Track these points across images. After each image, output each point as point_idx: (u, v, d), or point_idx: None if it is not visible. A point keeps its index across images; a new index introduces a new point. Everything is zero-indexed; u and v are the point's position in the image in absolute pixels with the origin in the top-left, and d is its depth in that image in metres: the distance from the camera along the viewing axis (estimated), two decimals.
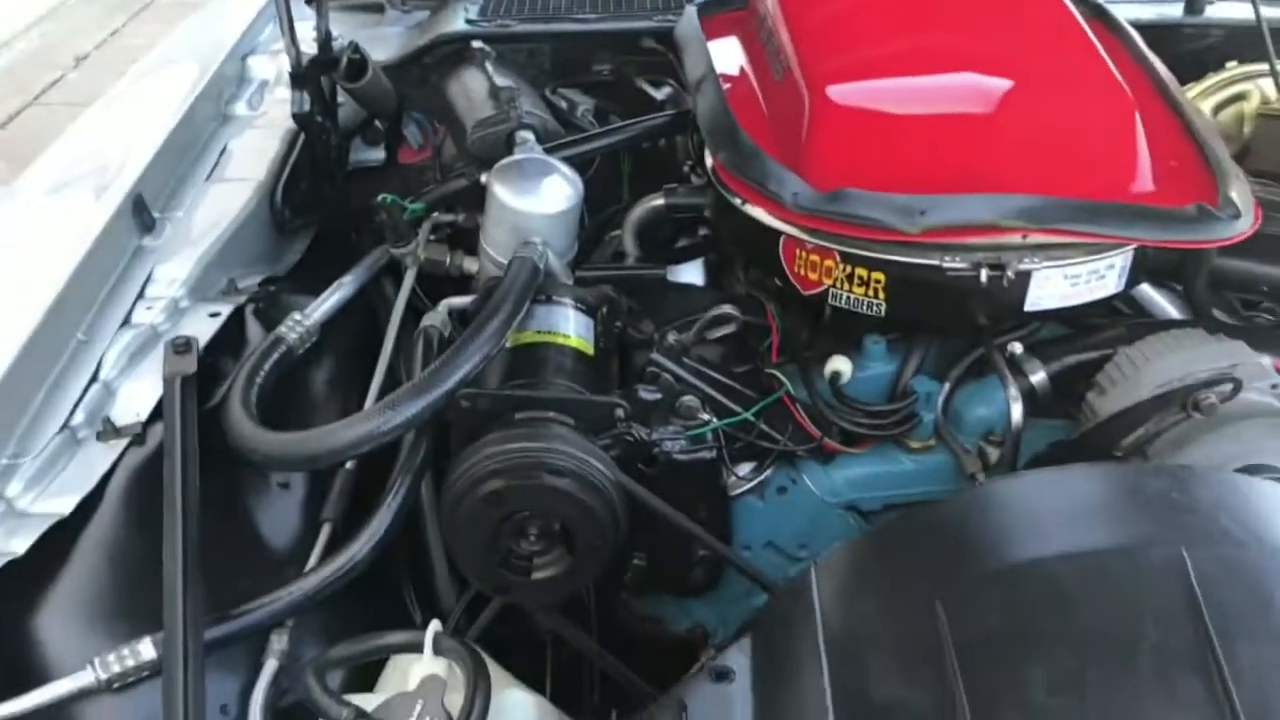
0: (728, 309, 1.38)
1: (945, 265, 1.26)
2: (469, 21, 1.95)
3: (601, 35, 1.95)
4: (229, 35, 1.95)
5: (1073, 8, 1.55)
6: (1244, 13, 1.99)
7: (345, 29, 1.88)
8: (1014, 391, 1.29)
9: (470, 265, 1.62)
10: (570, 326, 1.33)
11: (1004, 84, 1.38)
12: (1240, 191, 1.29)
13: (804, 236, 1.32)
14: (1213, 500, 0.96)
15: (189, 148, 1.67)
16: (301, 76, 1.58)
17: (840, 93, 1.37)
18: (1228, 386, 1.13)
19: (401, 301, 1.48)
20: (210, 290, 1.44)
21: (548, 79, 1.97)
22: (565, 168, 1.52)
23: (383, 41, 1.97)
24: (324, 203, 1.74)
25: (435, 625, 1.02)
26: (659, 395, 1.23)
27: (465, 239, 1.64)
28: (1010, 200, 1.24)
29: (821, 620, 0.93)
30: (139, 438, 1.19)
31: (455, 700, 0.97)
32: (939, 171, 1.29)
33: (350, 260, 1.56)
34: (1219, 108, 1.83)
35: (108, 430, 1.19)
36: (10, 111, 5.26)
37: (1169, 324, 1.35)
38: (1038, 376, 1.33)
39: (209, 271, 1.44)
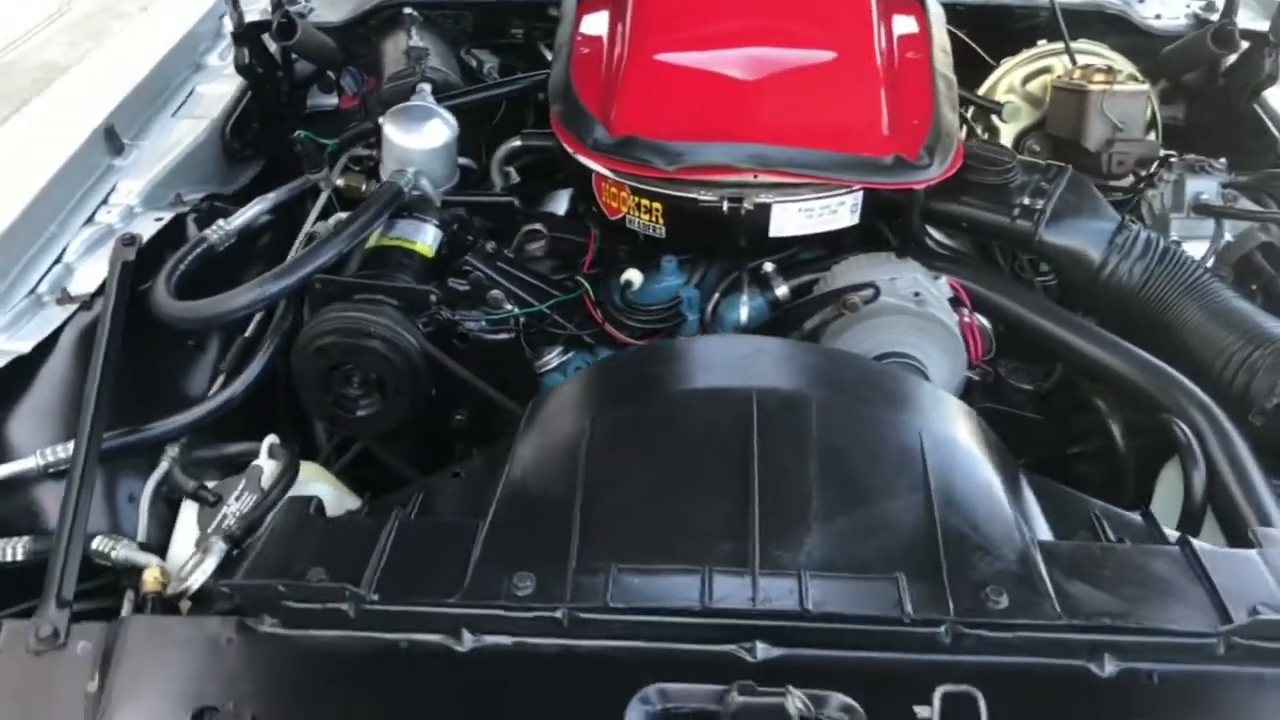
0: (537, 226, 1.76)
1: (698, 198, 1.62)
2: None
3: (513, 4, 2.33)
4: None
5: None
6: None
7: None
8: (745, 297, 1.65)
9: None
10: (420, 236, 1.73)
11: (777, 56, 1.73)
12: (941, 147, 1.63)
13: (606, 173, 1.69)
14: (818, 365, 1.33)
15: (161, 90, 2.09)
16: (241, 35, 1.99)
17: (643, 59, 1.74)
18: (869, 291, 1.48)
19: (313, 216, 1.88)
20: (161, 201, 1.86)
21: (469, 41, 2.35)
22: (445, 113, 1.90)
23: (340, 6, 2.37)
24: (275, 139, 2.15)
25: (271, 437, 1.43)
26: (467, 287, 1.62)
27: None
28: (744, 148, 1.60)
29: (521, 432, 1.32)
30: (86, 304, 1.61)
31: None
32: (701, 125, 1.65)
33: None
34: (1029, 78, 2.14)
35: (64, 297, 1.62)
36: (82, 54, 5.79)
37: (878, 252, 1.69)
38: (781, 289, 1.68)
39: (160, 187, 1.87)
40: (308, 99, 2.35)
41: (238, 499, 1.34)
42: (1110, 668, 1.07)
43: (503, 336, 1.62)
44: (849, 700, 1.03)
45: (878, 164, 1.60)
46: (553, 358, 1.72)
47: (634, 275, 1.73)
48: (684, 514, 1.18)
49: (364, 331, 1.50)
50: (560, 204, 2.06)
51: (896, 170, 1.59)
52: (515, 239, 1.76)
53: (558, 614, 1.10)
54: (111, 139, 1.89)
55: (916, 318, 1.49)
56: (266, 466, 1.40)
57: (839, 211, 1.66)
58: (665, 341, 1.61)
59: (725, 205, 1.61)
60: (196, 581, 1.22)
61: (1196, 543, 1.16)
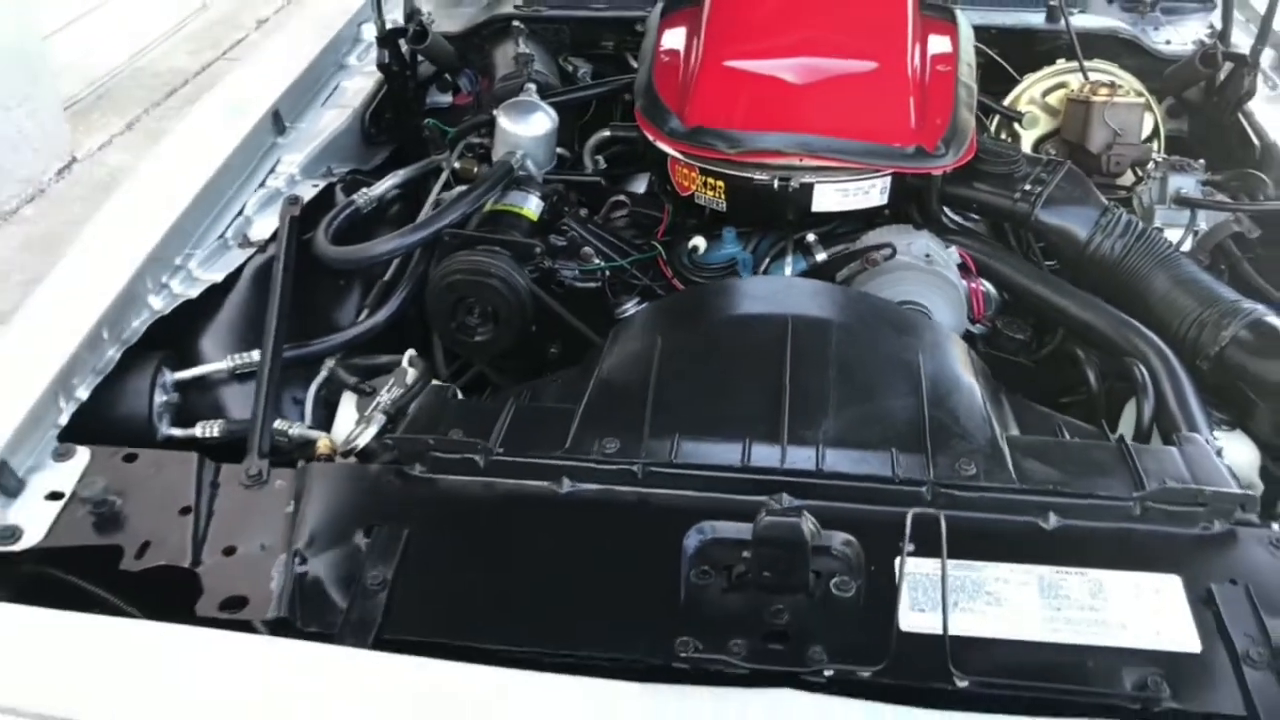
0: (622, 198, 2.15)
1: (753, 177, 2.00)
2: (516, 7, 2.76)
3: (606, 20, 2.73)
4: (352, 6, 2.81)
5: (912, 8, 2.26)
6: (1085, 23, 2.63)
7: (433, 6, 2.72)
8: (790, 259, 2.02)
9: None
10: (527, 204, 2.12)
11: (826, 65, 2.10)
12: (956, 141, 1.99)
13: (678, 155, 2.07)
14: (840, 299, 1.69)
15: (313, 84, 2.52)
16: (383, 39, 2.42)
17: (713, 63, 2.12)
18: (888, 250, 1.84)
19: (436, 190, 2.29)
20: (315, 173, 2.29)
21: (566, 50, 2.76)
22: (547, 107, 2.30)
23: (459, 18, 2.79)
24: (404, 127, 2.57)
25: (411, 352, 1.83)
26: (564, 243, 2.02)
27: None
28: (793, 137, 1.97)
29: (606, 349, 1.70)
30: (262, 248, 2.03)
31: None
32: (757, 117, 2.02)
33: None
34: (1047, 91, 2.48)
35: (244, 242, 2.04)
36: (204, 63, 6.34)
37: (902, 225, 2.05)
38: (820, 255, 2.04)
39: (314, 162, 2.29)
40: (427, 97, 2.77)
41: (388, 391, 1.73)
42: (1054, 522, 1.40)
43: (591, 285, 2.00)
44: (849, 536, 1.38)
45: (902, 152, 1.96)
46: (629, 306, 2.09)
47: (699, 241, 2.11)
48: (731, 402, 1.54)
49: (485, 271, 1.90)
50: (639, 185, 2.44)
51: (918, 158, 1.95)
52: (603, 209, 2.15)
53: (634, 468, 1.47)
54: (277, 121, 2.32)
55: (925, 273, 1.84)
56: (409, 369, 1.80)
57: (870, 193, 2.02)
58: (719, 281, 1.97)
59: (776, 183, 1.98)
60: (363, 441, 1.62)
61: (1129, 441, 1.50)
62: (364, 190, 2.17)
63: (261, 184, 2.19)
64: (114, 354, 1.73)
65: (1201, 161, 2.15)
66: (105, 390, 1.69)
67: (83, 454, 1.55)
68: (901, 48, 2.19)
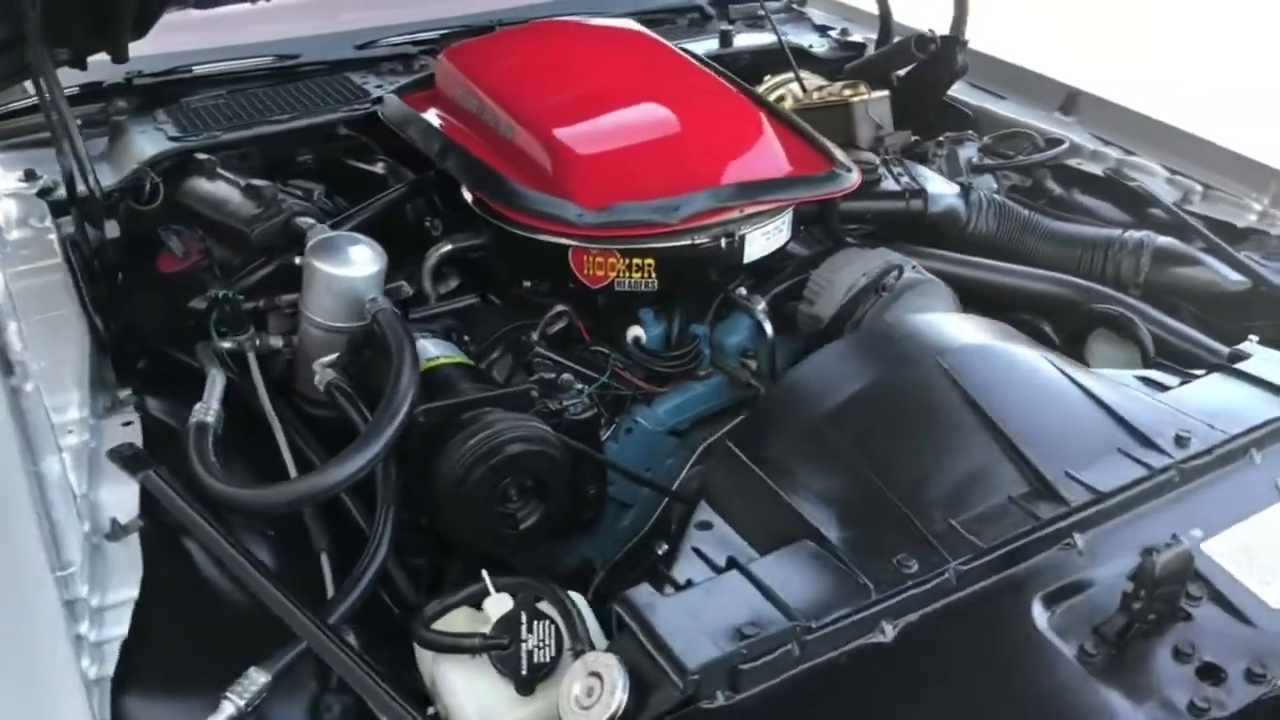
0: (560, 308, 1.80)
1: (697, 242, 1.79)
2: (175, 139, 2.15)
3: (301, 131, 2.25)
4: None
5: (675, 49, 2.17)
6: (759, 39, 2.76)
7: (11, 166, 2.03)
8: (761, 315, 1.85)
9: (275, 342, 1.87)
10: (448, 350, 1.68)
11: (669, 109, 1.94)
12: (844, 157, 1.97)
13: (590, 245, 1.78)
14: (920, 331, 1.59)
15: None
16: (93, 209, 1.75)
17: (573, 138, 1.85)
18: (897, 271, 1.78)
19: (262, 387, 1.71)
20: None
21: (258, 174, 2.21)
22: (366, 238, 1.84)
23: (105, 171, 2.09)
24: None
25: (485, 574, 1.35)
26: (553, 376, 1.63)
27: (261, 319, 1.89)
28: (726, 189, 1.80)
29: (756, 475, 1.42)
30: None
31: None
32: (671, 179, 1.81)
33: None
34: None
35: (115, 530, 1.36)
36: None
37: (823, 252, 1.99)
38: (760, 306, 1.90)
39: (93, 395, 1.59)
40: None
41: (535, 635, 1.27)
42: None
43: (590, 413, 1.64)
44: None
45: (819, 179, 1.89)
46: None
47: (638, 330, 1.85)
48: (966, 458, 1.38)
49: (541, 437, 1.47)
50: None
51: (831, 181, 1.89)
52: (540, 327, 1.78)
53: (947, 575, 1.25)
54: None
55: (932, 283, 1.81)
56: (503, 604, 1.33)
57: (784, 230, 1.93)
58: (834, 343, 1.67)
59: (723, 242, 1.79)
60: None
61: None
62: (199, 406, 1.57)
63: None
64: None
65: (973, 133, 2.37)
66: None
67: None
68: (719, 82, 2.11)
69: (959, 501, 1.34)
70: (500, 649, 1.26)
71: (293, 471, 1.57)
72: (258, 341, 1.79)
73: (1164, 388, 1.62)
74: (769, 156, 1.92)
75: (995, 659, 1.24)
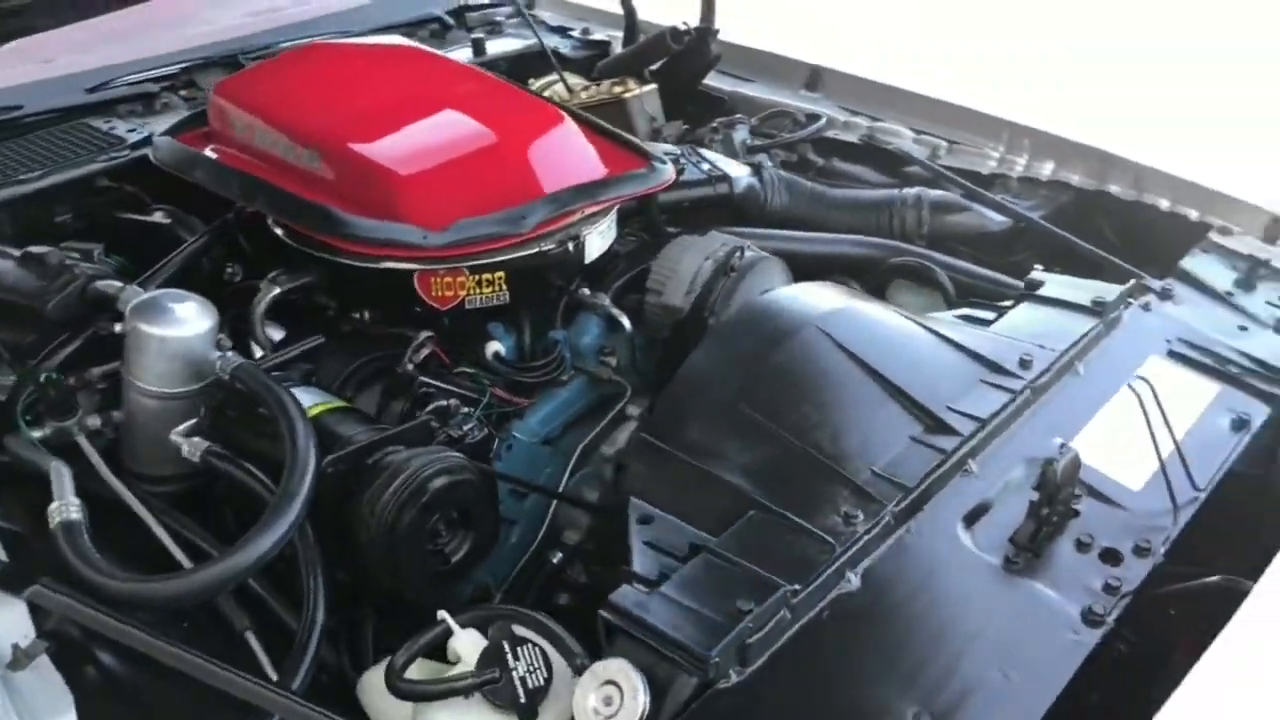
0: (427, 333, 1.75)
1: (545, 249, 1.80)
2: None
3: (56, 188, 2.03)
4: None
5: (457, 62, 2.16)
6: (510, 45, 2.78)
7: None
8: (616, 311, 1.89)
9: (93, 422, 1.69)
10: (316, 396, 1.59)
11: (479, 121, 1.92)
12: (656, 151, 2.04)
13: (438, 266, 1.74)
14: (792, 304, 1.69)
15: None
16: None
17: (392, 160, 1.79)
18: (739, 252, 1.88)
19: (107, 471, 1.54)
20: None
21: (8, 241, 1.97)
22: (185, 293, 1.70)
23: None
24: None
25: (443, 613, 1.31)
26: (445, 404, 1.59)
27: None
28: (565, 194, 1.81)
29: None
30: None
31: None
32: (508, 189, 1.80)
33: None
34: None
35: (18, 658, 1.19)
36: None
37: (648, 244, 2.05)
38: (603, 301, 1.93)
39: None
40: None
41: (524, 660, 1.24)
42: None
43: (484, 433, 1.61)
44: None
45: (643, 174, 1.94)
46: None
47: (496, 345, 1.83)
48: (870, 410, 1.50)
49: (461, 466, 1.43)
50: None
51: (653, 175, 1.95)
52: (406, 357, 1.71)
53: (886, 518, 1.37)
54: None
55: (766, 259, 1.91)
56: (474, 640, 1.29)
57: (613, 228, 1.97)
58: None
59: (571, 245, 1.81)
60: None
61: None
62: (56, 508, 1.41)
63: None
64: None
65: (741, 115, 2.52)
66: None
67: None
68: (515, 89, 2.13)
69: (873, 449, 1.46)
70: (493, 683, 1.23)
71: (180, 555, 1.45)
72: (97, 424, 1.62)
73: (986, 322, 1.82)
74: (590, 158, 1.95)
75: (941, 584, 1.36)
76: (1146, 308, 1.87)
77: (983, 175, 2.37)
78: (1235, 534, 1.53)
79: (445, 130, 1.90)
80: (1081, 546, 1.42)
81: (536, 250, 1.79)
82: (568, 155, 1.93)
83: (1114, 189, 2.28)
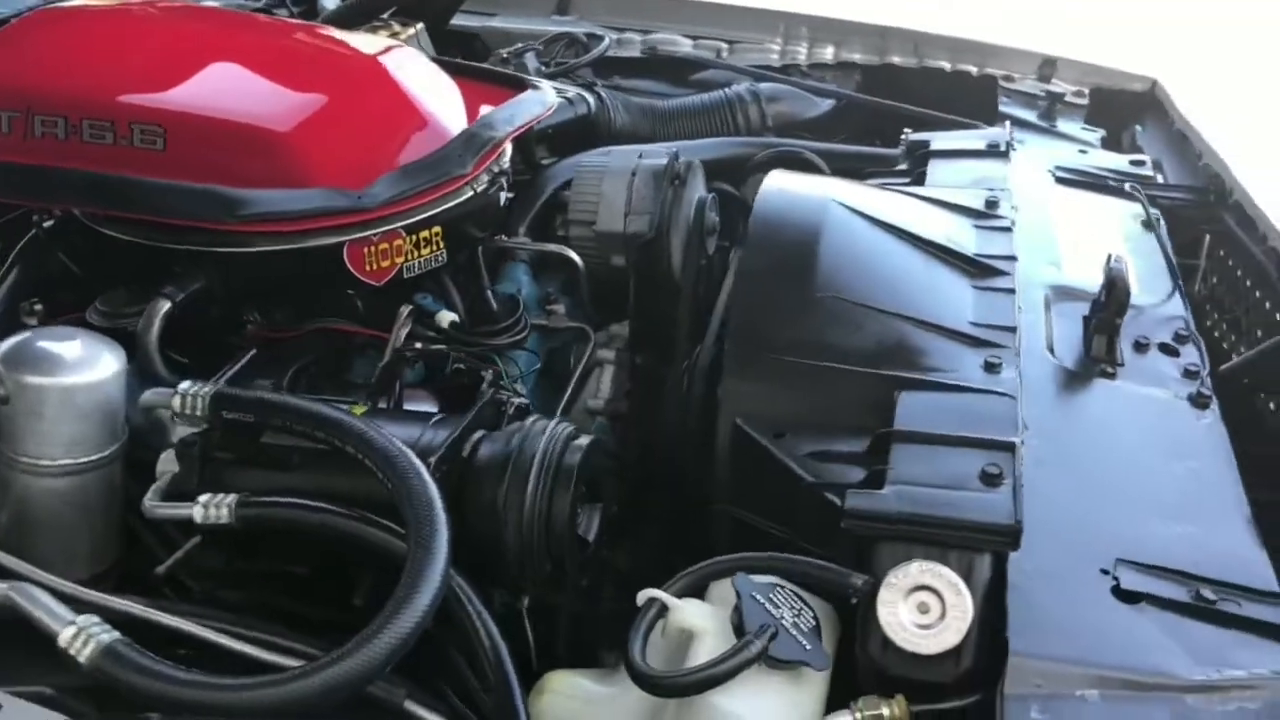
0: (408, 307, 1.43)
1: (480, 189, 1.54)
2: None
3: None
4: None
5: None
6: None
7: None
8: (570, 252, 1.68)
9: None
10: None
11: (359, 68, 1.62)
12: (529, 78, 1.83)
13: (371, 233, 1.43)
14: (801, 196, 1.59)
15: None
16: None
17: (279, 119, 1.44)
18: (675, 157, 1.73)
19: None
20: None
21: None
22: (64, 328, 1.26)
23: None
24: None
25: (651, 591, 1.08)
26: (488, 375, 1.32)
27: None
28: (479, 125, 1.56)
29: None
30: None
31: None
32: (417, 135, 1.52)
33: None
34: None
35: None
36: None
37: (532, 179, 1.84)
38: (532, 246, 1.71)
39: None
40: None
41: (785, 605, 1.06)
42: None
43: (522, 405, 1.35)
44: None
45: (536, 99, 1.73)
46: None
47: (447, 315, 1.54)
48: (933, 278, 1.45)
49: (573, 433, 1.21)
50: None
51: (545, 94, 1.75)
52: (393, 334, 1.38)
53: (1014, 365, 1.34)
54: None
55: (694, 164, 1.79)
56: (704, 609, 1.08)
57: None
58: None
59: (496, 188, 1.58)
60: None
61: None
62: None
63: None
64: None
65: (530, 43, 2.32)
66: None
67: None
68: (355, 38, 1.82)
69: (955, 303, 1.41)
70: (773, 638, 1.04)
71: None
72: None
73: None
74: (476, 89, 1.71)
75: (1080, 404, 1.37)
76: (1014, 147, 1.99)
77: (775, 68, 2.39)
78: None
79: (310, 81, 1.57)
80: (1139, 347, 1.48)
81: (471, 194, 1.53)
82: (454, 90, 1.66)
83: (896, 59, 2.39)
